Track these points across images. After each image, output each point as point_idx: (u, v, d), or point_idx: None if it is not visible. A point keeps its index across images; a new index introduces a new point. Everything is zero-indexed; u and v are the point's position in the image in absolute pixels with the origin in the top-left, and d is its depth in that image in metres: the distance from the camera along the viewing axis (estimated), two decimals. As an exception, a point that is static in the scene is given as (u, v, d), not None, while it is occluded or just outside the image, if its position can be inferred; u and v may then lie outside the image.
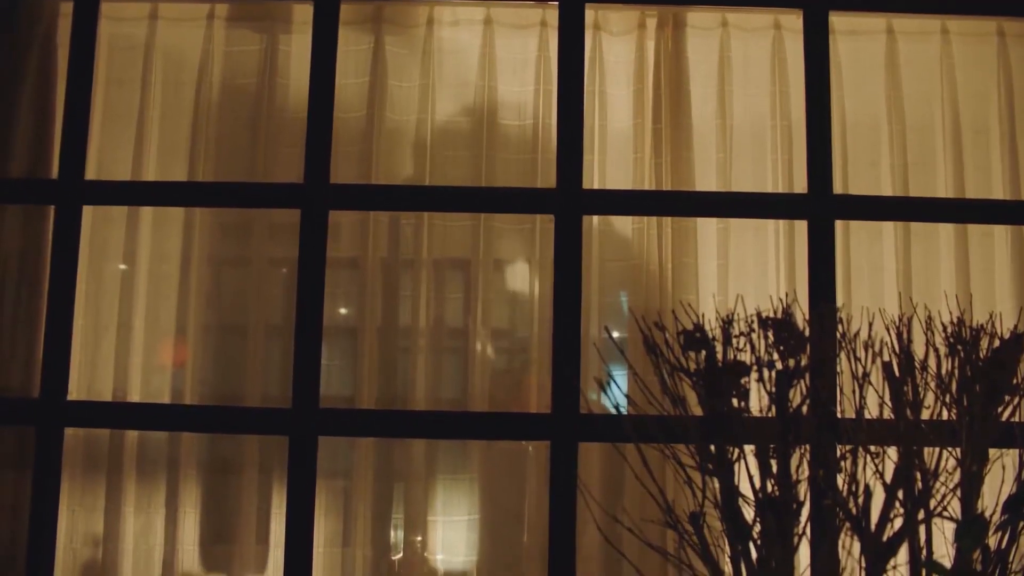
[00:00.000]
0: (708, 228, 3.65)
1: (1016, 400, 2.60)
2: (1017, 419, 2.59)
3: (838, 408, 2.69)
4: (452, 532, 3.59)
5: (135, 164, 3.70)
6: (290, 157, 3.64)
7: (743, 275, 3.65)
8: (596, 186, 3.64)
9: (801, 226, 3.57)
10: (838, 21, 3.72)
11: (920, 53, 3.80)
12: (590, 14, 3.68)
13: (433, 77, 3.73)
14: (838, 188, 3.61)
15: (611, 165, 3.68)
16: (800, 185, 3.60)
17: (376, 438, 3.60)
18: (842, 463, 2.45)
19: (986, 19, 3.77)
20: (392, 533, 3.59)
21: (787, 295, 3.41)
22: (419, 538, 3.58)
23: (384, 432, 3.57)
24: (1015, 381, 2.61)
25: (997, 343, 2.64)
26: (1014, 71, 3.77)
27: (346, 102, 3.68)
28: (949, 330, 2.62)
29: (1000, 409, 2.58)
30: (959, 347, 2.60)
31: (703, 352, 2.39)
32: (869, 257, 3.69)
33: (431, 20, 3.76)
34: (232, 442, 3.61)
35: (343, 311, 3.69)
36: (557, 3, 3.66)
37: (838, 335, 2.60)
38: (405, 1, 3.76)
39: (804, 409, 2.45)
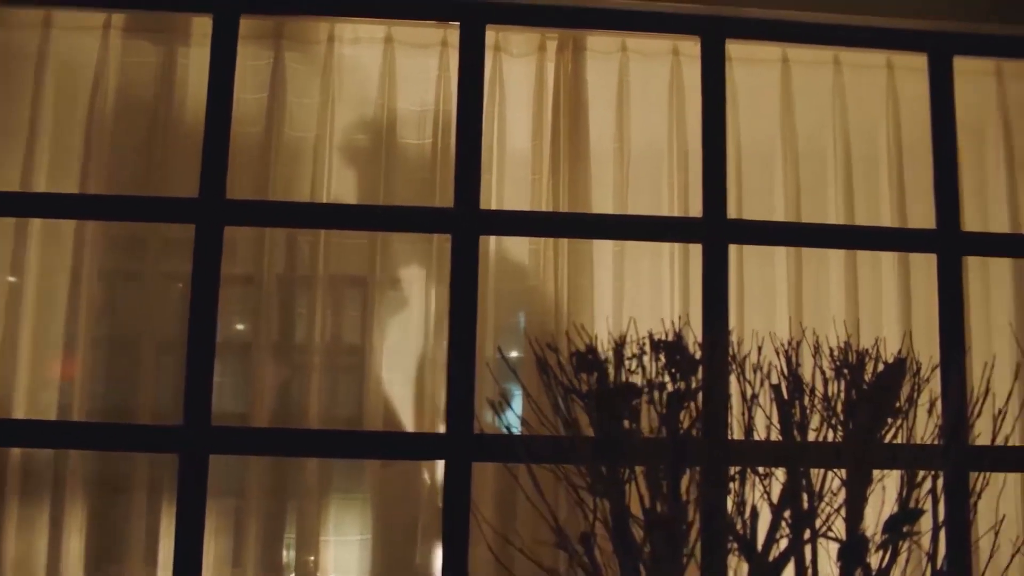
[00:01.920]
0: (604, 250, 3.68)
1: (899, 423, 2.67)
2: (900, 441, 2.65)
3: (728, 430, 2.72)
4: (345, 552, 3.57)
5: (24, 175, 3.60)
6: (186, 171, 3.58)
7: (638, 297, 3.68)
8: (494, 206, 3.65)
9: (695, 249, 3.62)
10: (734, 49, 3.78)
11: (813, 82, 3.88)
12: (491, 35, 3.70)
13: (333, 94, 3.71)
14: (732, 213, 3.67)
15: (509, 186, 3.69)
16: (695, 209, 3.65)
17: (269, 456, 3.56)
18: (731, 484, 2.48)
19: (876, 52, 3.86)
20: (284, 553, 3.55)
21: (681, 318, 3.46)
22: (311, 558, 3.54)
23: (277, 450, 3.53)
24: (898, 404, 2.67)
25: (882, 367, 2.70)
26: (901, 102, 3.88)
27: (244, 117, 3.64)
28: (836, 354, 2.68)
29: (884, 431, 2.64)
30: (845, 371, 2.66)
31: (595, 374, 2.40)
32: (761, 281, 3.75)
33: (332, 37, 3.74)
34: (121, 460, 3.54)
35: (239, 327, 3.65)
36: (458, 24, 3.66)
37: (729, 358, 2.64)
38: (306, 17, 3.73)
39: (695, 431, 2.47)
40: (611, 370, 2.43)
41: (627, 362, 2.44)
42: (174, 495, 3.37)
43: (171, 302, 3.61)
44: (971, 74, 3.91)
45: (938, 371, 2.84)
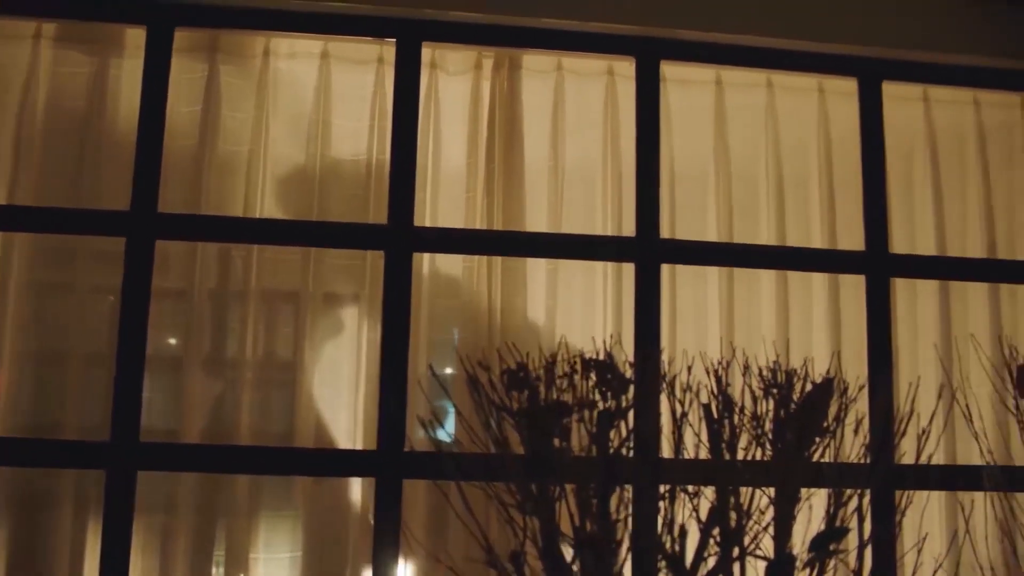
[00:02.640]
0: (538, 268, 3.69)
1: (826, 442, 2.70)
2: (827, 460, 2.68)
3: (658, 448, 2.74)
4: (275, 569, 3.53)
5: (-50, 186, 3.55)
6: (117, 184, 3.53)
7: (571, 316, 3.70)
8: (428, 224, 3.64)
9: (629, 269, 3.64)
10: (669, 70, 3.82)
11: (746, 104, 3.92)
12: (427, 52, 3.70)
13: (268, 108, 3.69)
14: (665, 232, 3.70)
15: (443, 203, 3.69)
16: (628, 228, 3.67)
17: (199, 473, 3.52)
18: (661, 502, 2.49)
19: (808, 75, 3.92)
20: (213, 571, 3.51)
21: (613, 336, 3.47)
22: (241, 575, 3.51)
23: (207, 467, 3.49)
24: (825, 424, 2.71)
25: (810, 387, 2.74)
26: (832, 125, 3.93)
27: (177, 130, 3.60)
28: (765, 374, 2.71)
29: (811, 450, 2.67)
30: (774, 390, 2.69)
31: (526, 392, 2.40)
32: (694, 301, 3.78)
33: (268, 51, 3.72)
34: (46, 476, 3.48)
35: (170, 341, 3.61)
36: (395, 41, 3.66)
37: (660, 377, 2.66)
38: (242, 31, 3.70)
39: (625, 449, 2.48)
40: (542, 388, 2.44)
41: (558, 380, 2.45)
42: (100, 512, 3.32)
43: (101, 315, 3.56)
44: (900, 99, 3.98)
45: (865, 391, 2.88)
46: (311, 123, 3.69)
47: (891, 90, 3.92)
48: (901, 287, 3.91)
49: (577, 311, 3.72)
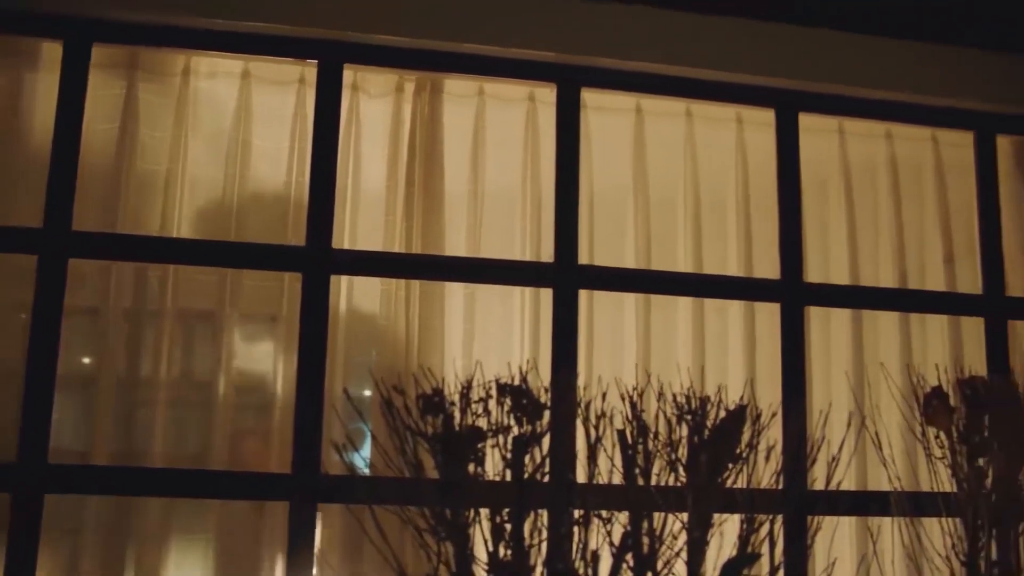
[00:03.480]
0: (456, 293, 3.69)
1: (739, 468, 2.73)
2: (740, 486, 2.72)
3: (573, 473, 2.75)
4: (186, 594, 3.49)
5: None
6: (30, 200, 3.47)
7: (489, 340, 3.70)
8: (347, 246, 3.63)
9: (547, 294, 3.65)
10: (590, 97, 3.85)
11: (666, 133, 3.96)
12: (349, 74, 3.69)
13: (187, 127, 3.64)
14: (584, 258, 3.72)
15: (362, 226, 3.67)
16: (547, 254, 3.69)
17: (109, 496, 3.46)
18: (574, 528, 2.50)
19: (726, 105, 3.97)
20: (123, 595, 3.45)
21: (530, 362, 3.49)
22: (151, 600, 3.45)
23: (117, 490, 3.42)
24: (738, 450, 2.74)
25: (723, 413, 2.77)
26: (749, 155, 3.99)
27: (94, 147, 3.54)
28: (680, 400, 2.74)
29: (724, 476, 2.71)
30: (688, 417, 2.72)
31: (441, 416, 2.40)
32: (611, 327, 3.80)
33: (187, 70, 3.67)
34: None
35: (83, 361, 3.55)
36: (316, 62, 3.65)
37: (576, 402, 2.67)
38: (161, 48, 3.66)
39: (539, 475, 2.49)
40: (457, 413, 2.44)
41: (473, 405, 2.45)
42: (4, 537, 3.24)
43: (11, 333, 3.48)
44: (816, 131, 4.06)
45: (778, 417, 2.92)
46: (231, 143, 3.65)
47: (807, 121, 3.99)
48: (815, 315, 3.98)
49: (495, 336, 3.72)
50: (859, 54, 3.97)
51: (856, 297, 4.01)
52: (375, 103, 3.76)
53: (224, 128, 3.66)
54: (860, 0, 3.81)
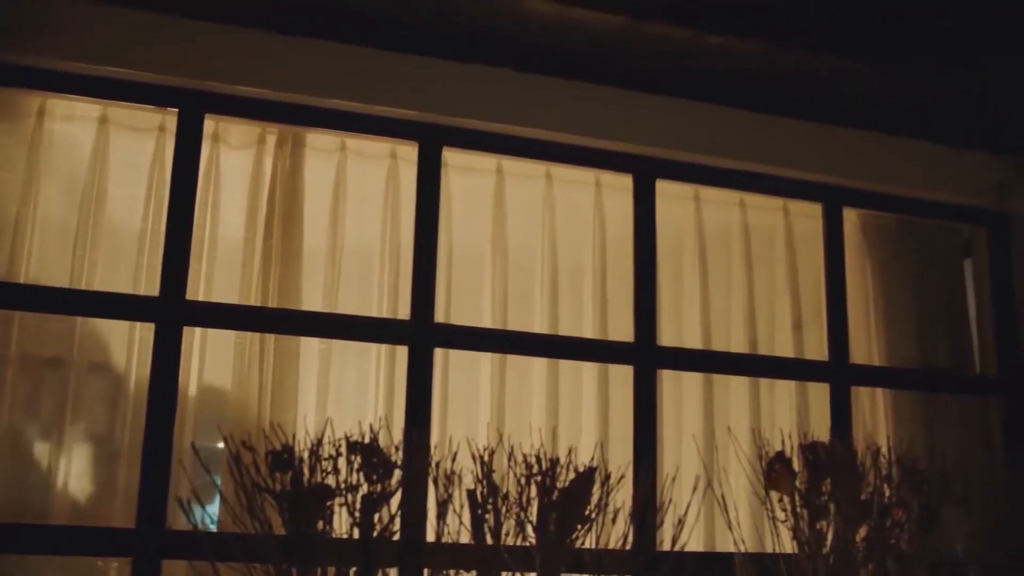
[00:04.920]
0: (311, 348, 3.66)
1: (588, 528, 2.77)
2: (588, 545, 2.76)
3: (423, 532, 2.75)
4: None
5: None
6: None
7: (343, 397, 3.67)
8: (201, 297, 3.57)
9: (402, 351, 3.65)
10: (451, 156, 3.89)
11: (526, 194, 4.02)
12: (210, 124, 3.66)
13: (40, 170, 3.55)
14: (440, 316, 3.73)
15: (219, 276, 3.62)
16: (404, 311, 3.69)
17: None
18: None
19: (585, 169, 4.05)
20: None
21: (383, 419, 3.48)
22: (-16, 661, 3.32)
23: (-49, 544, 3.30)
24: (587, 511, 2.78)
25: (574, 474, 2.81)
26: (607, 218, 4.07)
27: (-60, 188, 3.46)
28: (530, 461, 2.77)
29: (573, 536, 2.74)
30: (538, 477, 2.75)
31: (290, 473, 2.39)
32: (465, 386, 3.81)
33: (43, 112, 3.59)
34: None
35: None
36: (177, 110, 3.61)
37: (427, 462, 2.68)
38: (16, 89, 3.58)
39: (388, 533, 2.49)
40: (306, 470, 2.43)
41: (323, 463, 2.44)
42: None
43: None
44: (672, 197, 4.16)
45: (628, 479, 2.97)
46: (86, 187, 3.57)
47: (664, 188, 4.09)
48: (667, 378, 4.04)
49: (349, 393, 3.69)
50: (715, 125, 4.10)
51: (707, 361, 4.10)
52: (236, 154, 3.73)
53: (80, 173, 3.58)
54: (717, 74, 3.92)
